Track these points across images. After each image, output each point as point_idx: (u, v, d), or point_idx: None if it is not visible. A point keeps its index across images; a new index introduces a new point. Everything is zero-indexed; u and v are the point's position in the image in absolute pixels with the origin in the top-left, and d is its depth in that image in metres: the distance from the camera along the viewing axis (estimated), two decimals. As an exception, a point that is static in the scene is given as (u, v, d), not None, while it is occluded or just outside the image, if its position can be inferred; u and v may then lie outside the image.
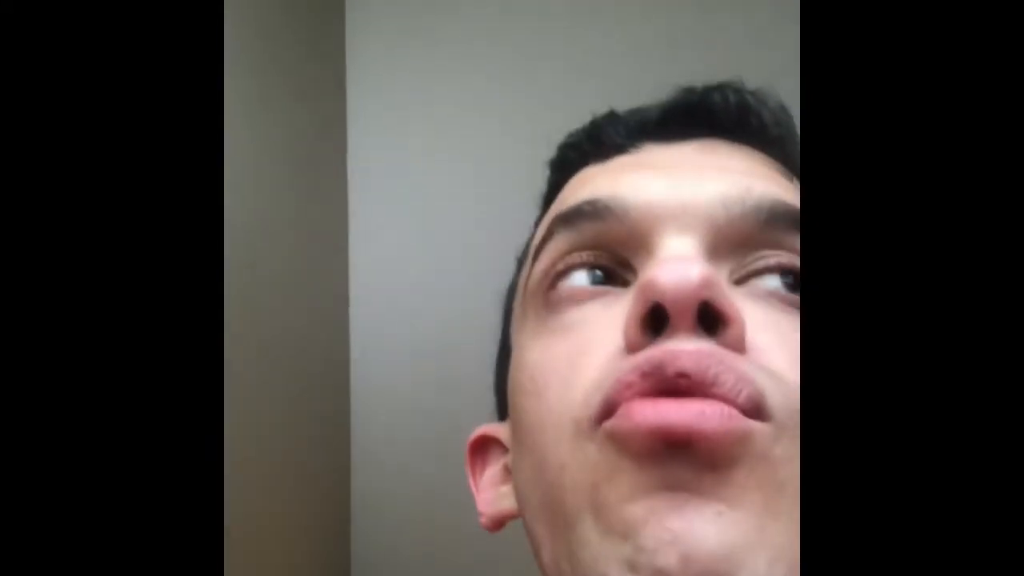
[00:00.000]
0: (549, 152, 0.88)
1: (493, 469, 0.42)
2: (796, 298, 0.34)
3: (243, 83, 0.73)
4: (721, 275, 0.33)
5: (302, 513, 0.79)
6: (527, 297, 0.39)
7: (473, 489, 0.42)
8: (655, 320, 0.31)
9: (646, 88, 0.84)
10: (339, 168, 0.92)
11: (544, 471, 0.33)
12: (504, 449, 0.41)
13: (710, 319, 0.31)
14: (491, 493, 0.41)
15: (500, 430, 0.42)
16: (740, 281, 0.35)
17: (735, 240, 0.34)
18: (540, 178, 0.87)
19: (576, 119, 0.87)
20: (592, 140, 0.42)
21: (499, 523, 0.41)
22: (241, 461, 0.62)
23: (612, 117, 0.42)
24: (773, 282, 0.34)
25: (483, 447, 0.43)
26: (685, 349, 0.30)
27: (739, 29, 0.89)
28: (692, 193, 0.35)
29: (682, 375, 0.29)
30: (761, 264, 0.34)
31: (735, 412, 0.29)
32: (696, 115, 0.40)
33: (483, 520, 0.41)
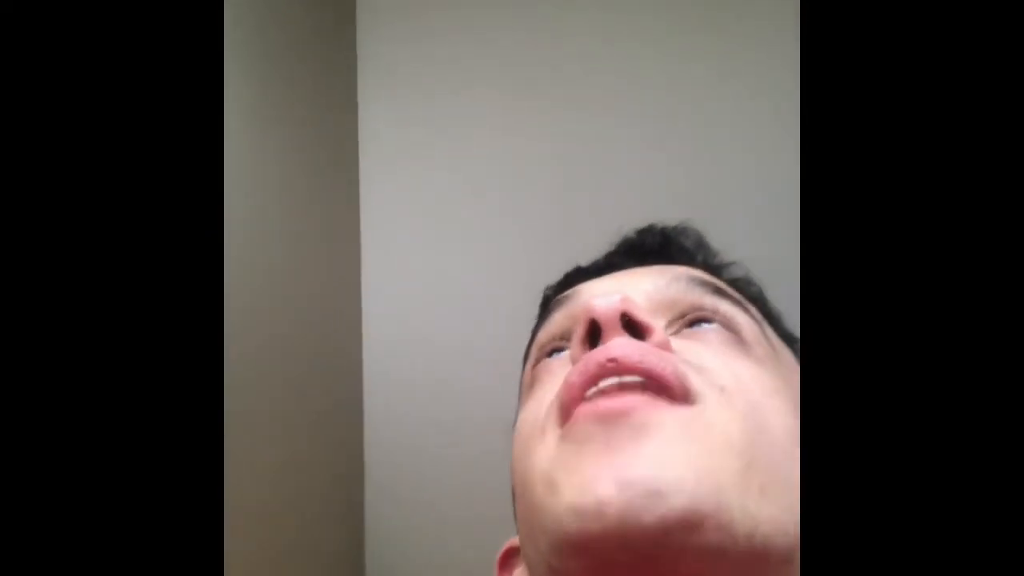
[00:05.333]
0: (564, 166, 0.88)
1: (516, 571, 0.45)
2: (732, 334, 0.42)
3: (248, 91, 0.74)
4: (659, 324, 0.40)
5: (314, 516, 0.79)
6: (522, 394, 0.46)
7: None
8: (594, 340, 0.38)
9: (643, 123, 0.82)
10: (351, 174, 0.93)
11: (522, 483, 0.38)
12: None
13: (635, 332, 0.38)
14: None
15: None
16: (675, 333, 0.42)
17: (664, 303, 0.44)
18: (555, 192, 0.87)
19: (585, 148, 0.86)
20: (561, 285, 0.53)
21: None
22: (245, 467, 0.63)
23: (578, 269, 0.55)
24: (705, 325, 0.42)
25: (509, 558, 0.47)
26: (614, 342, 0.37)
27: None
28: (628, 281, 0.46)
29: (611, 360, 0.36)
30: (689, 317, 0.43)
31: (660, 399, 0.35)
32: (632, 250, 0.54)
33: None
